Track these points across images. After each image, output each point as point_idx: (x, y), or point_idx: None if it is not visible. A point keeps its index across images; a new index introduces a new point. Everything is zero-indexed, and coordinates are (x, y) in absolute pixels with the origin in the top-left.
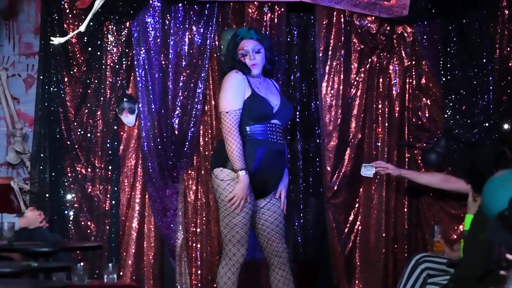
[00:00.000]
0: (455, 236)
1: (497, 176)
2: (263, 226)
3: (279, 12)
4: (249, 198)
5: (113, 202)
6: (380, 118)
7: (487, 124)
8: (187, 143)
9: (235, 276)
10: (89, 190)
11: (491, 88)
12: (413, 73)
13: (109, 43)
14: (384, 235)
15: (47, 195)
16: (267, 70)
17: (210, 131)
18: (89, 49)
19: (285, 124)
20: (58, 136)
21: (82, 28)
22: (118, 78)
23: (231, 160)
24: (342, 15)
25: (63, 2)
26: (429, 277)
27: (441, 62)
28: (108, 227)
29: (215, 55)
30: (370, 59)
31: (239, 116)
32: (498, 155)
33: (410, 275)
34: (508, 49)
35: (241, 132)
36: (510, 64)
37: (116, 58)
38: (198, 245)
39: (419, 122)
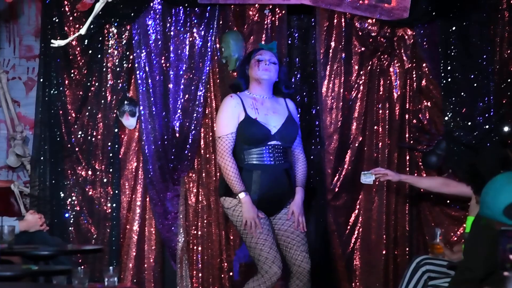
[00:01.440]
0: (456, 238)
1: (497, 179)
2: (278, 235)
3: (280, 14)
4: (260, 214)
5: (114, 205)
6: (380, 121)
7: (487, 127)
8: (188, 146)
9: None
10: (90, 193)
11: (491, 90)
12: (414, 75)
13: (110, 45)
14: (384, 237)
15: (47, 198)
16: (279, 90)
17: (211, 134)
18: (90, 51)
19: (287, 144)
20: (58, 139)
21: (82, 30)
22: (118, 81)
23: (229, 184)
24: (342, 18)
25: (63, 5)
26: (430, 279)
27: (441, 65)
28: (108, 230)
29: (216, 57)
30: (370, 62)
31: (232, 140)
32: (501, 158)
33: (411, 278)
34: (509, 51)
35: (239, 158)
36: (510, 67)
37: (117, 60)
38: (199, 248)
39: (420, 124)
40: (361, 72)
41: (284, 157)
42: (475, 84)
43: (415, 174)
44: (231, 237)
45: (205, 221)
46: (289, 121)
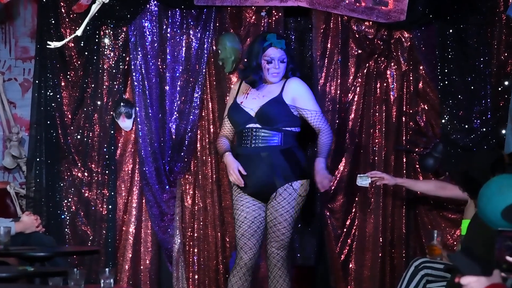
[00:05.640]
0: (452, 241)
1: (493, 182)
2: (266, 224)
3: (276, 16)
4: (245, 206)
5: (110, 206)
6: (377, 123)
7: (484, 129)
8: (184, 148)
9: (235, 278)
10: (86, 194)
11: (488, 93)
12: (411, 78)
13: (106, 47)
14: (381, 239)
15: (43, 199)
16: (286, 75)
17: (207, 136)
18: (86, 53)
19: (268, 126)
20: (54, 140)
21: (79, 32)
22: (115, 83)
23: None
24: (339, 20)
25: (59, 6)
26: (428, 282)
27: (438, 67)
28: (105, 232)
29: (212, 59)
30: (367, 64)
31: (224, 124)
32: (496, 160)
33: (410, 281)
34: (506, 54)
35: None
36: (507, 69)
37: (113, 62)
38: (195, 250)
39: (417, 127)
40: (358, 75)
41: (264, 139)
42: (472, 87)
43: (412, 177)
44: (227, 239)
45: (201, 223)
46: (273, 102)
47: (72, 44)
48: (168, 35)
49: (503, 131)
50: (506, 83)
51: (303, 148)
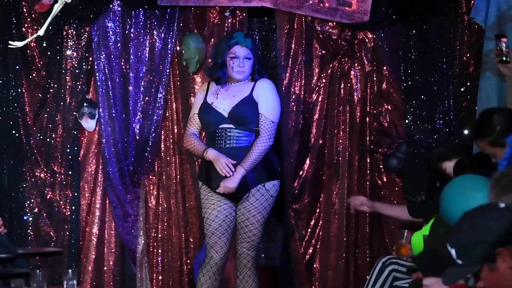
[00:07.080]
0: None
1: (454, 183)
2: (236, 224)
3: (240, 17)
4: (216, 205)
5: (73, 207)
6: (341, 123)
7: (447, 130)
8: (148, 148)
9: (205, 277)
10: (49, 195)
11: (451, 94)
12: (374, 78)
13: (69, 47)
14: (345, 240)
15: (5, 200)
16: (253, 77)
17: (171, 136)
18: (49, 53)
19: (241, 126)
20: (17, 141)
21: (41, 32)
22: (78, 83)
23: (195, 154)
24: (303, 20)
25: (21, 6)
26: (395, 279)
27: (401, 68)
28: (68, 233)
29: (176, 60)
30: (331, 65)
31: (194, 120)
32: (457, 162)
33: (377, 278)
34: (468, 55)
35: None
36: (470, 70)
37: (76, 62)
38: (159, 251)
39: (380, 128)
40: (322, 75)
41: (238, 139)
42: (435, 88)
43: (376, 178)
44: (191, 240)
45: (165, 224)
46: (245, 102)
47: (34, 44)
48: (132, 35)
49: (466, 132)
50: (468, 84)
51: (274, 148)
